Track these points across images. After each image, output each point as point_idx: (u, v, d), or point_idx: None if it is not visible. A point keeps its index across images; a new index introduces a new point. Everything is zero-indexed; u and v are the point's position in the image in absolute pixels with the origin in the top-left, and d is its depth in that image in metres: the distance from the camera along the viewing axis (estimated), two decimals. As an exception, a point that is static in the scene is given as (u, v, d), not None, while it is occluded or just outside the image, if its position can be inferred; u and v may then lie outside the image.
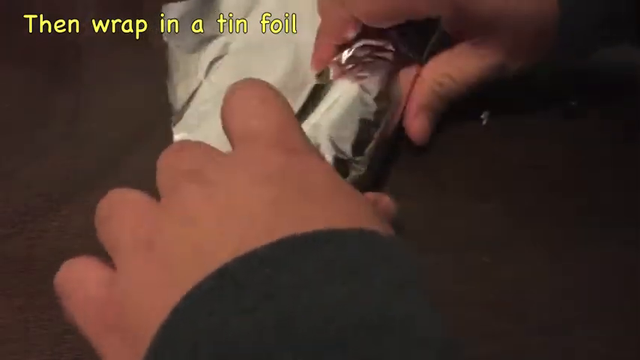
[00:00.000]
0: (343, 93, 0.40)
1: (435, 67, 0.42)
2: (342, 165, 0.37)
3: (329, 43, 0.43)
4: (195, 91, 0.43)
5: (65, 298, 0.26)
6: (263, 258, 0.21)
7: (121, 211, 0.26)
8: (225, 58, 0.45)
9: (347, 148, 0.38)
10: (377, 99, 0.39)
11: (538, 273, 0.36)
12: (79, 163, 0.42)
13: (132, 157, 0.42)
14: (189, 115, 0.42)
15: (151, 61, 0.49)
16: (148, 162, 0.41)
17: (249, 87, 0.28)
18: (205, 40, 0.46)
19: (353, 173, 0.38)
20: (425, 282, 0.23)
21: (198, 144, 0.28)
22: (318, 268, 0.21)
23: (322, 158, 0.28)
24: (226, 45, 0.45)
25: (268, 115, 0.27)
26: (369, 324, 0.20)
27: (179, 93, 0.43)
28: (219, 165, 0.25)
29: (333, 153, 0.38)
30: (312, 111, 0.39)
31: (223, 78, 0.43)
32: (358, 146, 0.38)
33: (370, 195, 0.34)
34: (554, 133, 0.43)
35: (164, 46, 0.47)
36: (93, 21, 0.51)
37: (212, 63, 0.44)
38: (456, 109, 0.44)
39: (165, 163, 0.27)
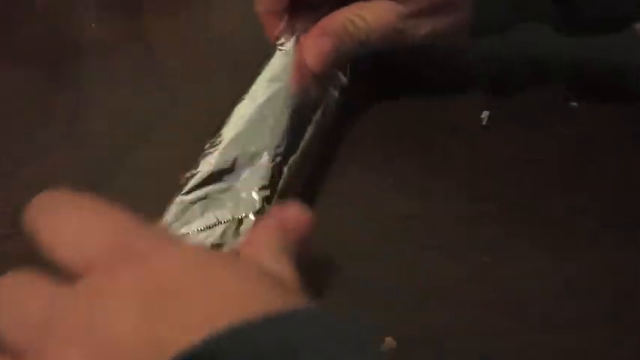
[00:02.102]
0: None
1: (349, 8, 0.41)
2: None
3: (267, 11, 0.42)
4: None
5: None
6: None
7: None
8: None
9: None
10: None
11: (539, 272, 0.36)
12: (79, 163, 0.42)
13: (132, 157, 0.42)
14: None
15: (151, 61, 0.49)
16: (147, 162, 0.41)
17: (65, 207, 0.25)
18: None
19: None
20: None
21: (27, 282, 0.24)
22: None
23: (184, 244, 0.25)
24: None
25: (103, 227, 0.24)
26: None
27: None
28: (69, 307, 0.22)
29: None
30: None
31: None
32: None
33: (275, 211, 0.31)
34: (555, 133, 0.43)
35: (164, 46, 0.47)
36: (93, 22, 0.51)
37: None
38: (456, 109, 0.44)
39: (6, 322, 0.23)
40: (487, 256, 0.37)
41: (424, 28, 0.41)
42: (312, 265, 0.35)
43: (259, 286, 0.22)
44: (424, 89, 0.45)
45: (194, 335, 0.19)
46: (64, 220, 0.25)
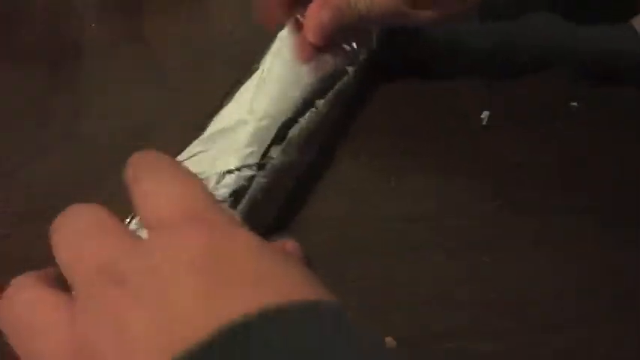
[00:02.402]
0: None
1: None
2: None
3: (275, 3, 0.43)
4: None
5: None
6: (201, 356, 0.20)
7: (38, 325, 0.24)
8: None
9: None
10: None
11: (538, 272, 0.36)
12: (79, 163, 0.42)
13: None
14: None
15: (151, 61, 0.49)
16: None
17: (156, 168, 0.27)
18: None
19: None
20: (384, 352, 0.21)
21: (101, 225, 0.25)
22: (266, 354, 0.19)
23: (244, 228, 0.26)
24: None
25: (182, 193, 0.26)
26: None
27: None
28: (135, 256, 0.23)
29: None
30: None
31: None
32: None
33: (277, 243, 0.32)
34: (555, 133, 0.43)
35: (164, 46, 0.47)
36: (93, 22, 0.51)
37: None
38: (456, 109, 0.44)
39: (68, 256, 0.25)
40: (487, 256, 0.37)
41: (429, 13, 0.41)
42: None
43: (308, 276, 0.23)
44: (423, 89, 0.45)
45: (247, 310, 0.20)
46: (158, 178, 0.27)
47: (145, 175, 0.27)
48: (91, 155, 0.42)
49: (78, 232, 0.26)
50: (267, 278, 0.22)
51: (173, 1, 0.54)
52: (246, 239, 0.24)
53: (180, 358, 0.20)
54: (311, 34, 0.40)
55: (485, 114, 0.44)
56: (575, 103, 0.45)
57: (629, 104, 0.45)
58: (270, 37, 0.42)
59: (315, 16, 0.40)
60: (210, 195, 0.27)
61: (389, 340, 0.33)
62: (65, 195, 0.40)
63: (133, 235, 0.25)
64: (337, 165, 0.41)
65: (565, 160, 0.42)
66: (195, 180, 0.27)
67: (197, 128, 0.38)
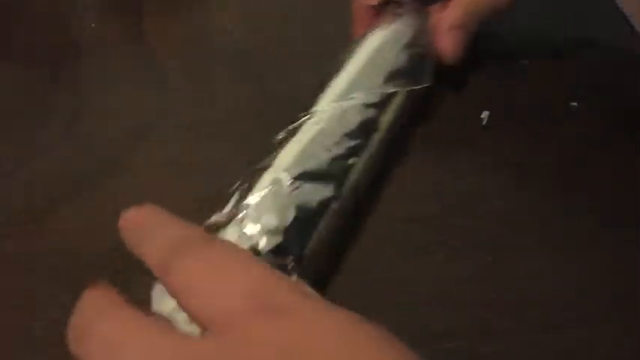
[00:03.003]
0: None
1: None
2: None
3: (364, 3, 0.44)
4: None
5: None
6: None
7: None
8: None
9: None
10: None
11: (539, 272, 0.36)
12: (79, 163, 0.42)
13: (131, 157, 0.42)
14: None
15: (151, 61, 0.49)
16: (147, 162, 0.41)
17: (200, 255, 0.22)
18: None
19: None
20: None
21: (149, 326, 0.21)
22: None
23: (326, 308, 0.22)
24: None
25: (235, 277, 0.21)
26: None
27: None
28: None
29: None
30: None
31: None
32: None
33: None
34: (555, 133, 0.43)
35: (164, 46, 0.47)
36: (93, 22, 0.51)
37: None
38: (456, 109, 0.44)
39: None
40: (489, 255, 0.37)
41: None
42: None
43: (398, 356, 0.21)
44: (423, 89, 0.45)
45: None
46: (200, 265, 0.22)
47: (177, 259, 0.22)
48: (91, 155, 0.42)
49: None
50: None
51: (173, 1, 0.54)
52: (331, 325, 0.21)
53: None
54: (452, 58, 0.43)
55: (485, 114, 0.44)
56: (575, 103, 0.45)
57: (629, 104, 0.45)
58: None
59: (448, 42, 0.43)
60: (268, 268, 0.22)
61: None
62: (65, 195, 0.40)
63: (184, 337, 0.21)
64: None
65: (565, 160, 0.42)
66: (243, 253, 0.23)
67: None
